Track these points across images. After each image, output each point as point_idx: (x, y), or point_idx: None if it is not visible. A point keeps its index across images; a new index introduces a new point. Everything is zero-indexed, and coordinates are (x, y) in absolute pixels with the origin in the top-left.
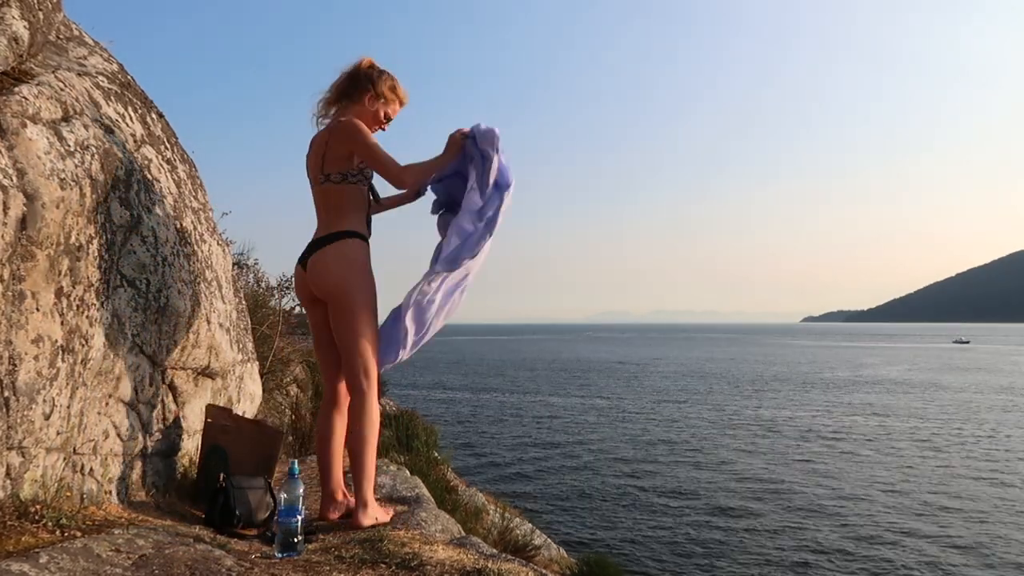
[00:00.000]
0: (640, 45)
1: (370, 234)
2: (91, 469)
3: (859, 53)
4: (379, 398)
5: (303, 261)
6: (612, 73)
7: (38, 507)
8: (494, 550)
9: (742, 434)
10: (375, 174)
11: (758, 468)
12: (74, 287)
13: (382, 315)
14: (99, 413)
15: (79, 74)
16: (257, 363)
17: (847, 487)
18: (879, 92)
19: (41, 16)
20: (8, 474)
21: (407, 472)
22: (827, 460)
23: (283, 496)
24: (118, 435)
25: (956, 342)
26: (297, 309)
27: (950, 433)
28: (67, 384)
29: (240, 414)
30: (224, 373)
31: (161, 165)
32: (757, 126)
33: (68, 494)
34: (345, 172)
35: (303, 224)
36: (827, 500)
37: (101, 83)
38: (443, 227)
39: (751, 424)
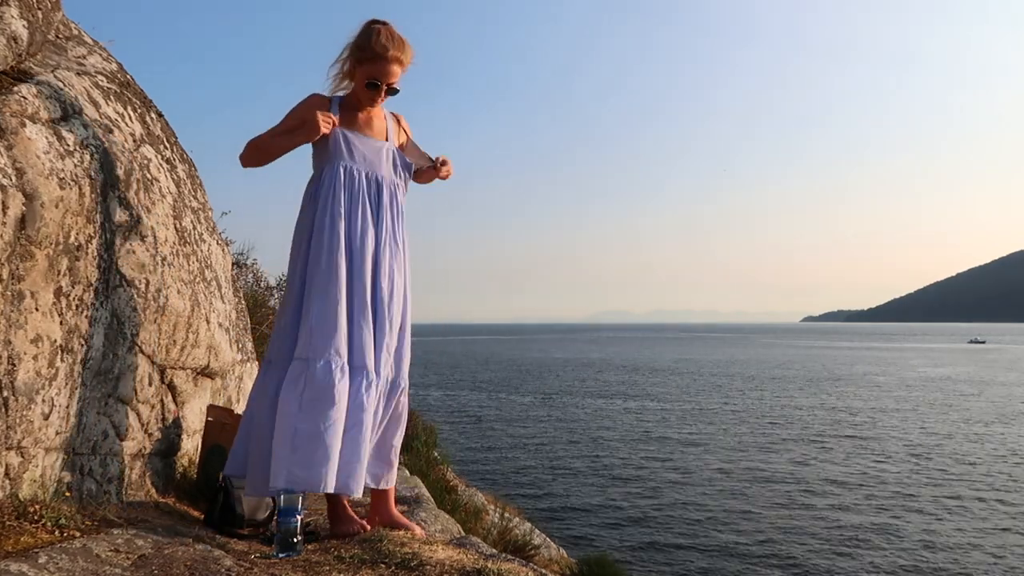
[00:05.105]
0: (645, 45)
1: None
2: (90, 469)
3: (860, 54)
4: None
5: None
6: (612, 72)
7: (37, 507)
8: (494, 550)
9: (749, 435)
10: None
11: (767, 471)
12: (73, 287)
13: None
14: (98, 413)
15: (78, 73)
16: (257, 363)
17: (880, 497)
18: (879, 92)
19: (40, 15)
20: (7, 474)
21: (407, 472)
22: (853, 468)
23: (283, 496)
24: (117, 435)
25: (971, 342)
26: None
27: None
28: (66, 384)
29: (240, 414)
30: (224, 373)
31: (160, 164)
32: (761, 127)
33: (67, 494)
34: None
35: None
36: (840, 507)
37: (100, 82)
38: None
39: (757, 425)
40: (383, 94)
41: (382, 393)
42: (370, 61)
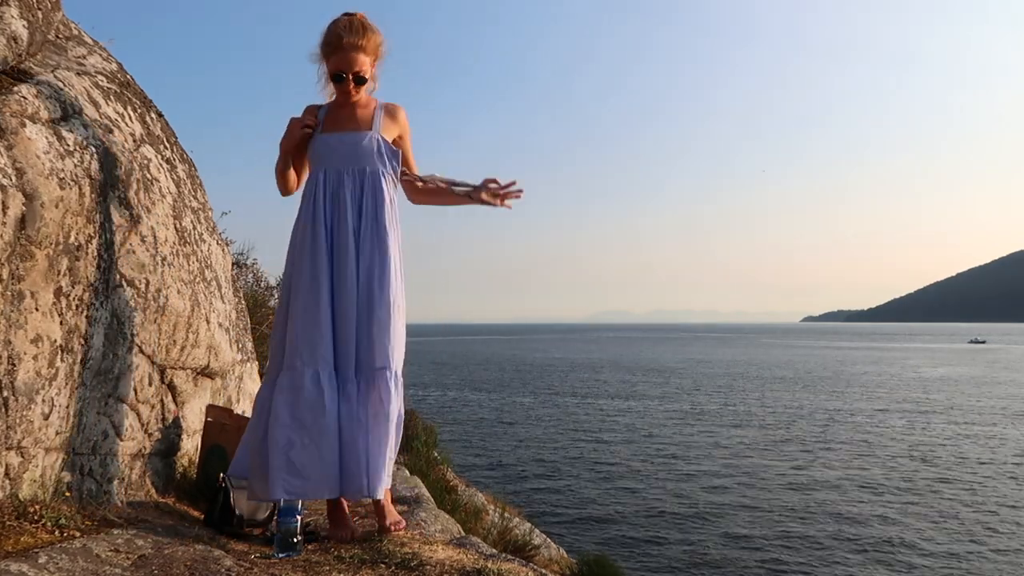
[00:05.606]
0: (645, 45)
1: None
2: (90, 469)
3: (860, 54)
4: None
5: None
6: (612, 72)
7: (37, 507)
8: (494, 550)
9: (750, 436)
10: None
11: (768, 471)
12: (73, 287)
13: None
14: (98, 413)
15: (78, 73)
16: (257, 363)
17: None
18: (879, 92)
19: (40, 15)
20: (7, 474)
21: (407, 472)
22: (850, 468)
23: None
24: (117, 435)
25: (972, 342)
26: None
27: None
28: (66, 384)
29: (240, 414)
30: (224, 373)
31: (160, 164)
32: (761, 127)
33: (67, 494)
34: None
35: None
36: (843, 511)
37: (100, 82)
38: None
39: (758, 426)
40: (351, 85)
41: (367, 393)
42: (331, 54)
